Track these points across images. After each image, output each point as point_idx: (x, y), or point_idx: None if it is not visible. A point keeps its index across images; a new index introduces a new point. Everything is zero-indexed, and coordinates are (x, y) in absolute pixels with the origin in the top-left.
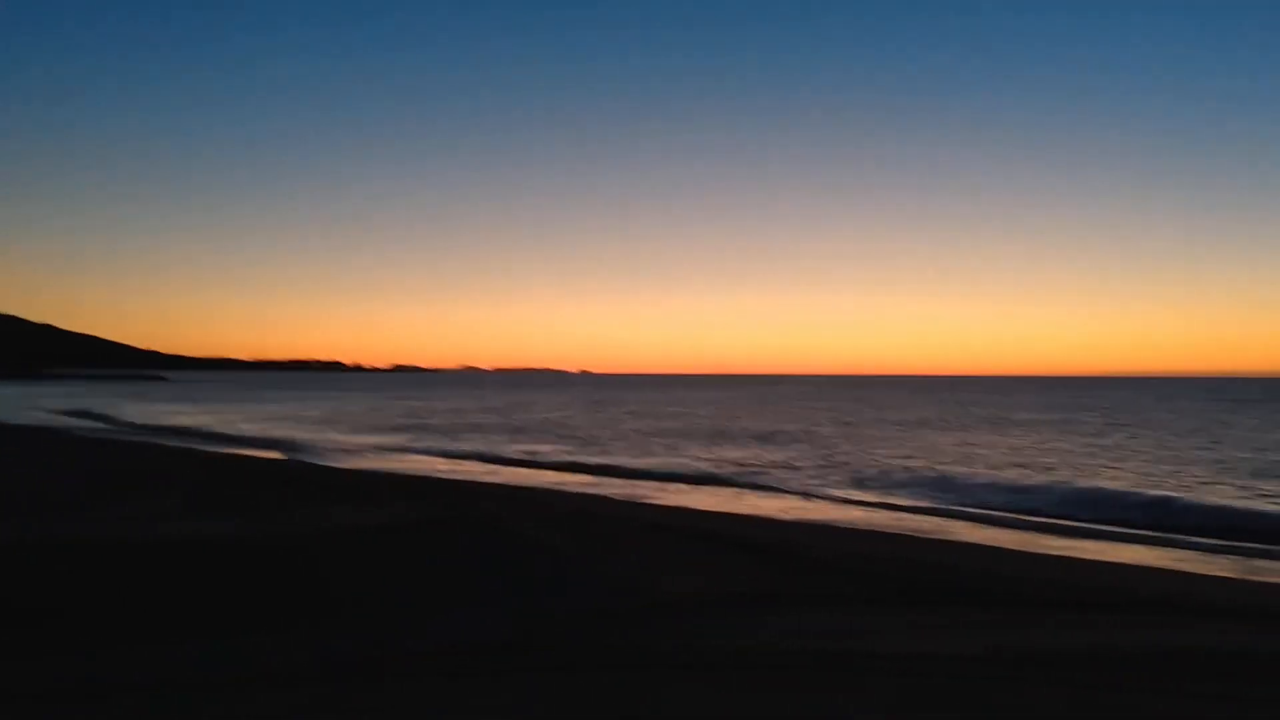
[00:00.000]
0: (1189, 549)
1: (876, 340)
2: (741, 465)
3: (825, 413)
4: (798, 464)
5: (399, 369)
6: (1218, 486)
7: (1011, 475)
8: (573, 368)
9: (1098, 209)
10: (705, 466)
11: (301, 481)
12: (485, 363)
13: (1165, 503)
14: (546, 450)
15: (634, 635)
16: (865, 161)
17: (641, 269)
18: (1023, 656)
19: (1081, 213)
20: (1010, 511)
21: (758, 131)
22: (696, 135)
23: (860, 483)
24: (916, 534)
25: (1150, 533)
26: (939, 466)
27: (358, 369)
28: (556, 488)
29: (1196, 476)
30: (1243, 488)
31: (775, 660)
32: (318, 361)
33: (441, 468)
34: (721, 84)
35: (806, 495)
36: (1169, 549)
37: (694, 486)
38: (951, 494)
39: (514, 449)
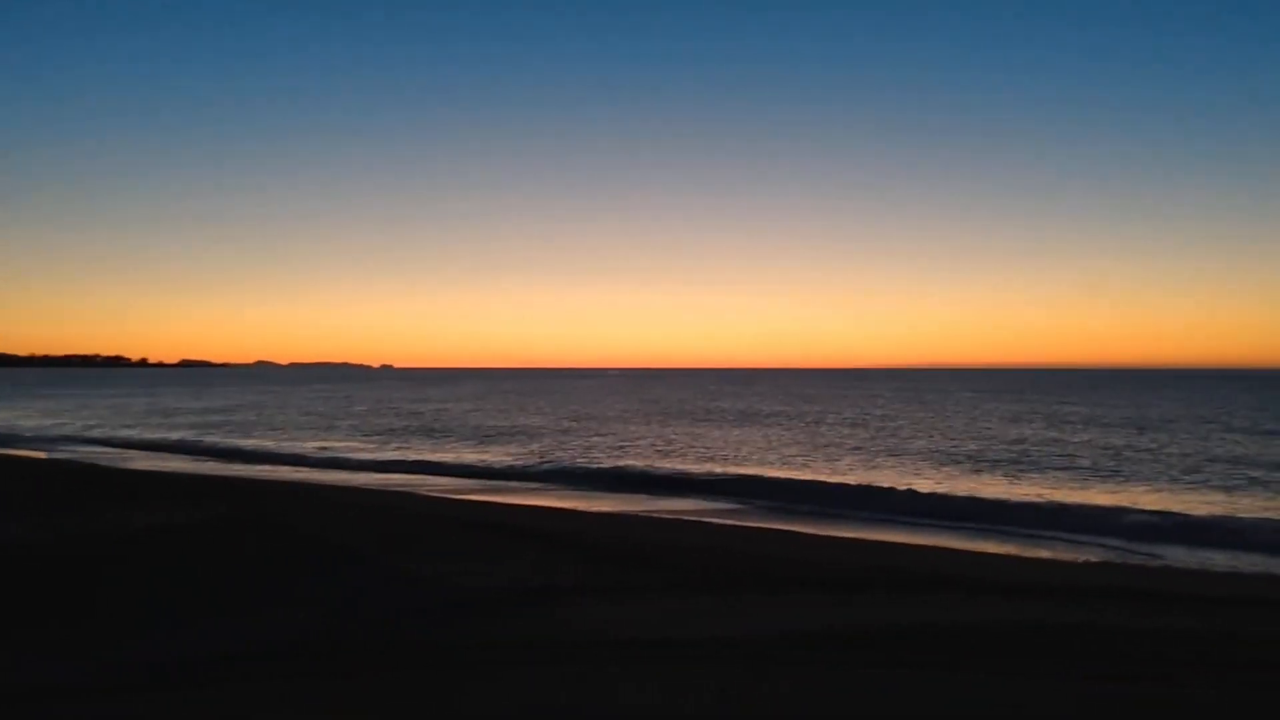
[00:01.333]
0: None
1: (679, 332)
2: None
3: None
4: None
5: (187, 364)
6: (895, 474)
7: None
8: (374, 362)
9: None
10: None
11: (82, 481)
12: (280, 357)
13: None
14: (340, 446)
15: (437, 633)
16: (647, 156)
17: (449, 263)
18: (826, 636)
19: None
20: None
21: (554, 126)
22: (496, 128)
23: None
24: (709, 521)
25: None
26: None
27: (144, 364)
28: (353, 485)
29: (867, 463)
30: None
31: (582, 652)
32: (100, 357)
33: (232, 468)
34: (511, 78)
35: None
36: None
37: (488, 481)
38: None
39: (310, 446)
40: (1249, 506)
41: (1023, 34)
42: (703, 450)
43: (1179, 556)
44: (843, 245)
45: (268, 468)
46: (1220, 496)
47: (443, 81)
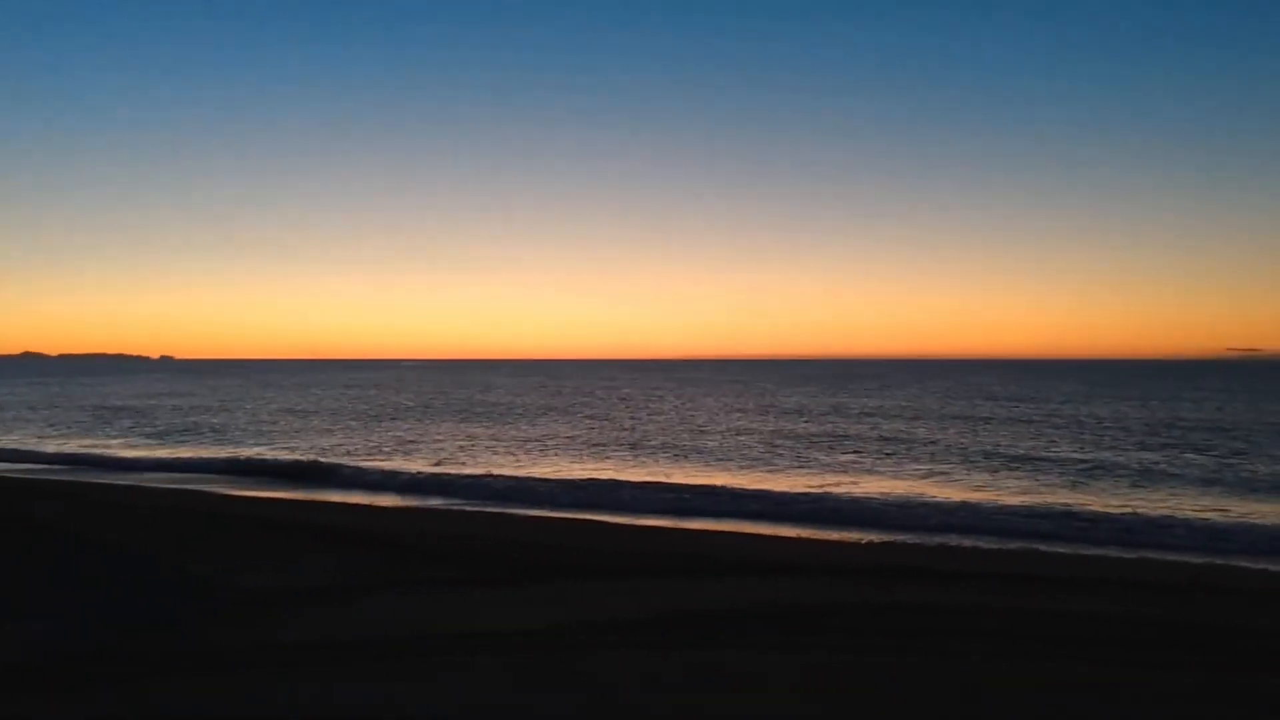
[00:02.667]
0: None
1: (482, 323)
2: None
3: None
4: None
5: None
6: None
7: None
8: (154, 353)
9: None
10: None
11: None
12: (50, 349)
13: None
14: (118, 444)
15: (222, 635)
16: (444, 145)
17: (236, 250)
18: (623, 624)
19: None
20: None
21: (356, 111)
22: (294, 111)
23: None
24: (511, 514)
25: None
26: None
27: None
28: (131, 484)
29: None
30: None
31: (375, 648)
32: None
33: None
34: (296, 65)
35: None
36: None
37: (272, 478)
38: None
39: (80, 444)
40: (1004, 491)
41: None
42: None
43: (951, 537)
44: (650, 236)
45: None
46: (984, 479)
47: (215, 67)
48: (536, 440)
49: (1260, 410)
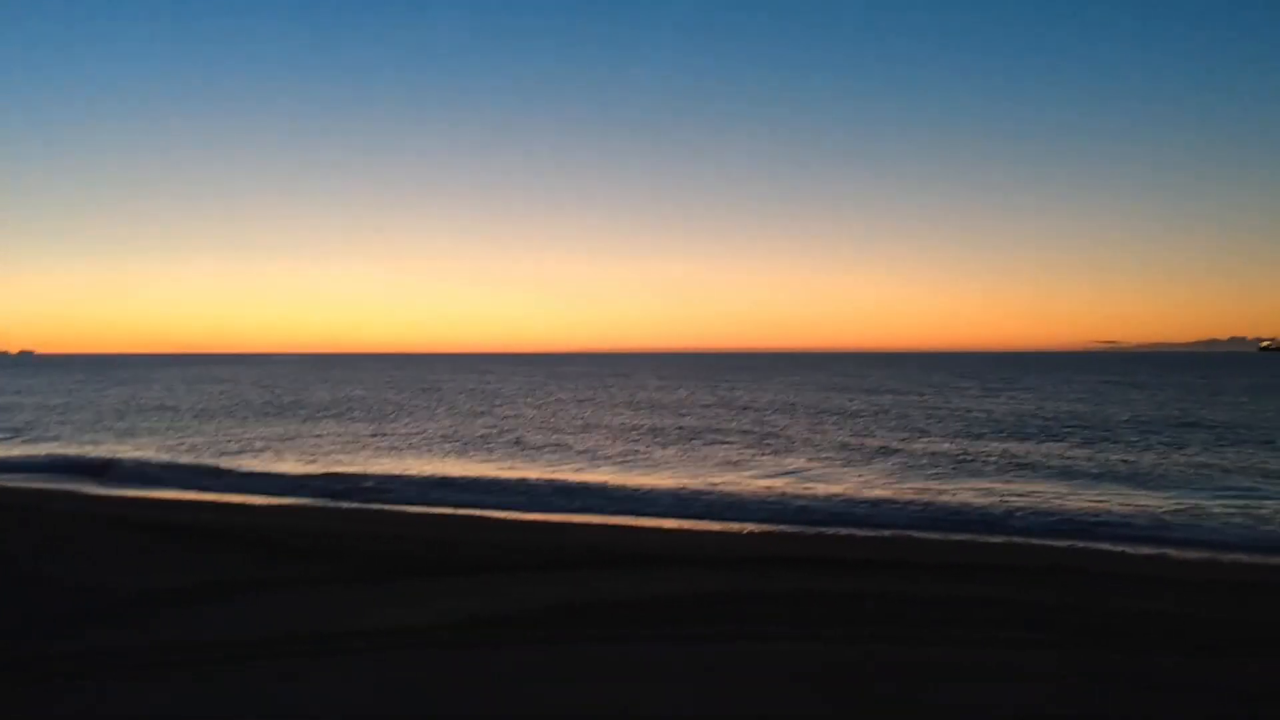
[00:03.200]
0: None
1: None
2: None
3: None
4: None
5: None
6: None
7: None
8: (13, 348)
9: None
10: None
11: None
12: None
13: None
14: None
15: (90, 638)
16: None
17: (101, 241)
18: (496, 619)
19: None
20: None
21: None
22: (154, 96)
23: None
24: (390, 510)
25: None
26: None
27: None
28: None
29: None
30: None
31: (243, 648)
32: None
33: None
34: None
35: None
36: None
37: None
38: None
39: None
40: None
41: None
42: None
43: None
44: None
45: None
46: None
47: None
48: (404, 436)
49: (1124, 403)
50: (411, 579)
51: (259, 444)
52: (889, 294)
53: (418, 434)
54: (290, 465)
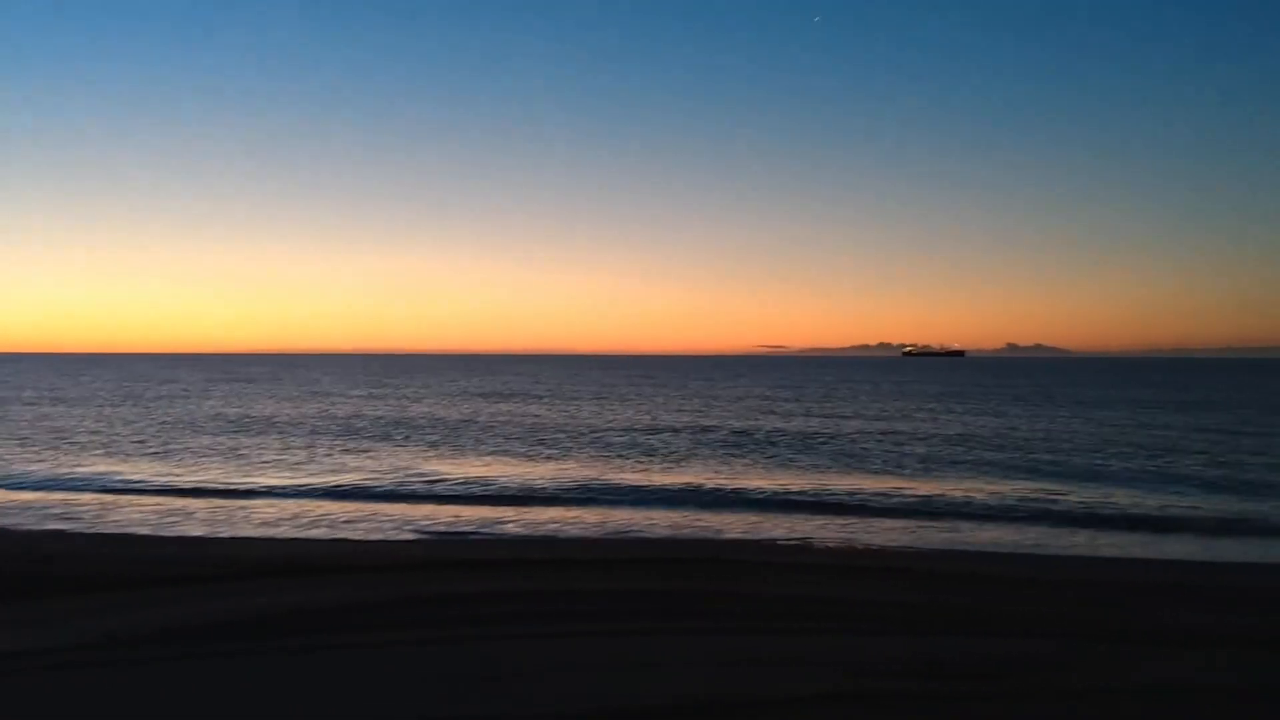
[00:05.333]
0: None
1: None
2: None
3: None
4: None
5: None
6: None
7: None
8: None
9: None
10: None
11: None
12: None
13: None
14: None
15: None
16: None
17: None
18: (135, 638)
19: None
20: None
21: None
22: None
23: None
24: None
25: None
26: None
27: None
28: None
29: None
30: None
31: None
32: None
33: None
34: None
35: None
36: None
37: None
38: None
39: None
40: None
41: None
42: None
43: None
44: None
45: None
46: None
47: None
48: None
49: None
50: (36, 599)
51: None
52: (564, 299)
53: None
54: None
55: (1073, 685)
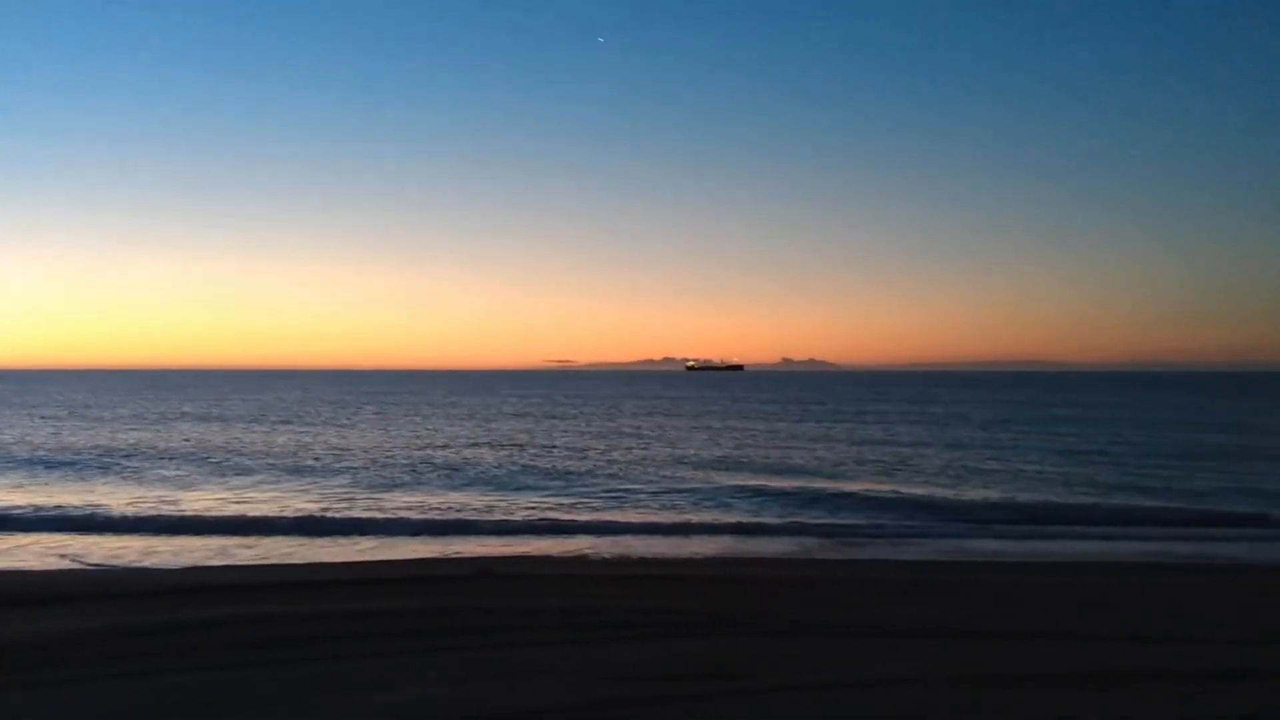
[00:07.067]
0: None
1: None
2: None
3: None
4: None
5: None
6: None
7: None
8: None
9: None
10: None
11: None
12: None
13: None
14: None
15: None
16: None
17: None
18: None
19: None
20: None
21: None
22: None
23: None
24: None
25: None
26: None
27: None
28: None
29: None
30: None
31: None
32: None
33: None
34: None
35: None
36: None
37: None
38: None
39: None
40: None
41: None
42: None
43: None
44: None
45: None
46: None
47: None
48: None
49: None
50: None
51: None
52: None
53: None
54: None
55: (811, 680)
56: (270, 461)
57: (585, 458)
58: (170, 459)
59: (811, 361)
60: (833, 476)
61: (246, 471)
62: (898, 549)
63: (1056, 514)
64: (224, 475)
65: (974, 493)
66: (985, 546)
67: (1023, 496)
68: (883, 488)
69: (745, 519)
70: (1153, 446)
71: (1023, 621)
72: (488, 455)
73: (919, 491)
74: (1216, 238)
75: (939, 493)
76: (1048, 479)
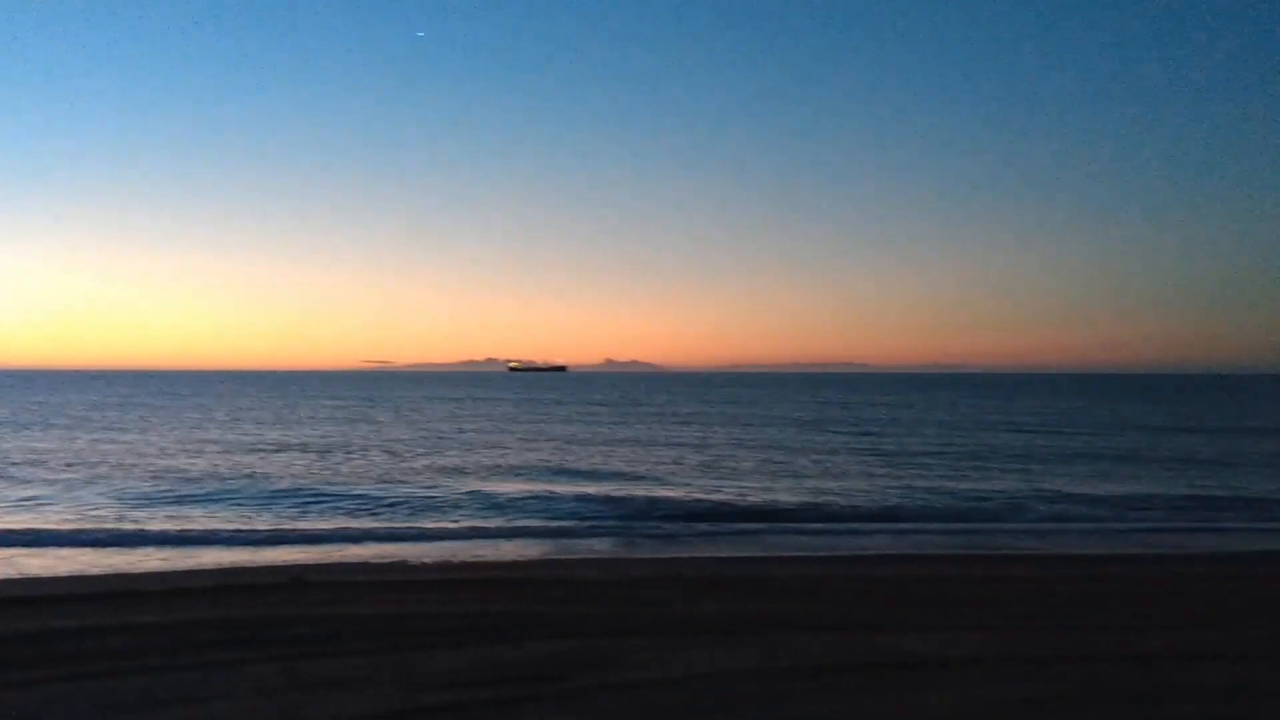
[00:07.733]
0: None
1: None
2: None
3: None
4: None
5: None
6: None
7: None
8: None
9: None
10: None
11: None
12: None
13: None
14: None
15: None
16: None
17: None
18: None
19: None
20: None
21: None
22: None
23: None
24: None
25: None
26: None
27: None
28: None
29: None
30: None
31: None
32: None
33: None
34: None
35: None
36: None
37: None
38: None
39: None
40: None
41: None
42: None
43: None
44: None
45: None
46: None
47: None
48: None
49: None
50: None
51: None
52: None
53: None
54: None
55: (628, 678)
56: (46, 473)
57: (402, 461)
58: None
59: (634, 363)
60: (651, 479)
61: (18, 481)
62: (711, 547)
63: (859, 512)
64: None
65: (784, 492)
66: (793, 541)
67: (828, 495)
68: (700, 489)
69: (565, 522)
70: (957, 447)
71: (826, 614)
72: (297, 461)
73: (733, 491)
74: (1012, 250)
75: (751, 492)
76: (853, 477)
